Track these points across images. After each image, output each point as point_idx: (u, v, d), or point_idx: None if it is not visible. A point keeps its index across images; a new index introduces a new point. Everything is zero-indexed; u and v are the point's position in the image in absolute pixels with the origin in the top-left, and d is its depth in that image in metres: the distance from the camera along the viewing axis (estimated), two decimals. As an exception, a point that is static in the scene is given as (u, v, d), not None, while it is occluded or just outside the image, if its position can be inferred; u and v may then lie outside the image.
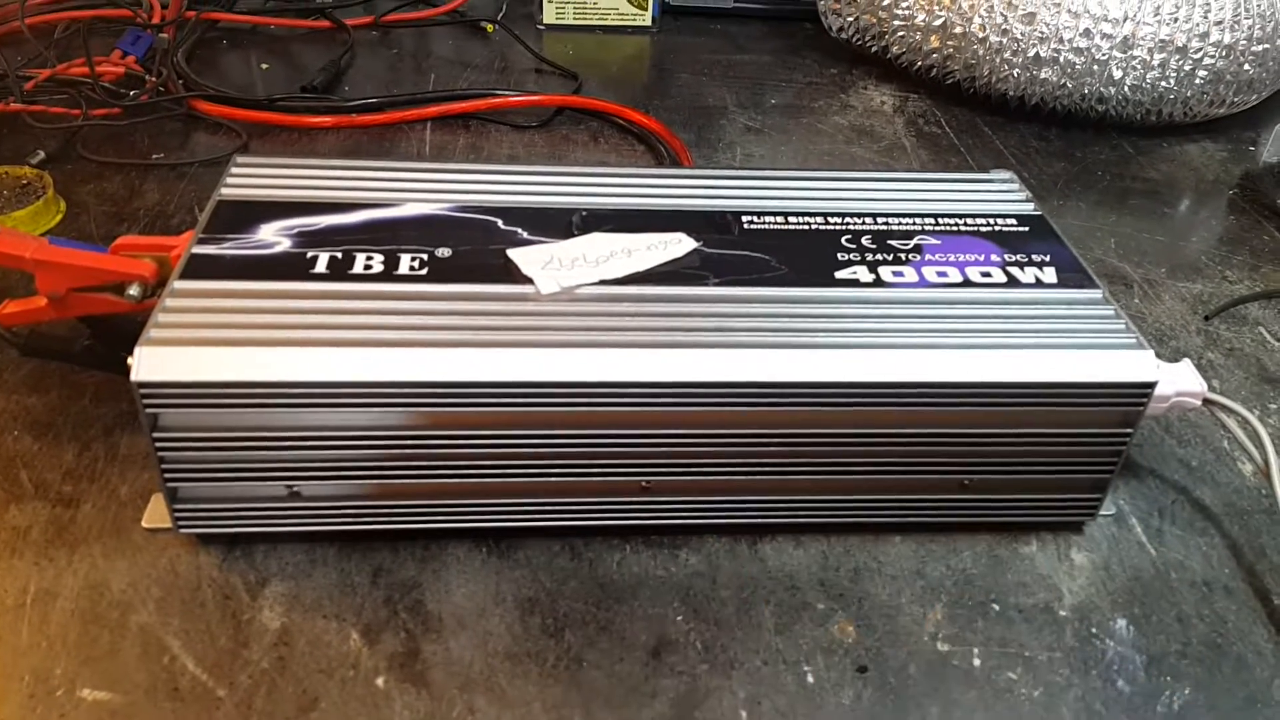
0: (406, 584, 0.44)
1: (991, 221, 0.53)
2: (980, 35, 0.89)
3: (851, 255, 0.49)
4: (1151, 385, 0.44)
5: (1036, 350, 0.44)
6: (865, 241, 0.50)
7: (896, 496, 0.47)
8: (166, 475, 0.42)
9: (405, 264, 0.46)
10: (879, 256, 0.49)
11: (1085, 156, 0.88)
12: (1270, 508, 0.51)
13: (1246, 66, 0.87)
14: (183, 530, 0.45)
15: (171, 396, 0.40)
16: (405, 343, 0.41)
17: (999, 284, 0.48)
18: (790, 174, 0.56)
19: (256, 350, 0.40)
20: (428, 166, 0.54)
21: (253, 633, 0.42)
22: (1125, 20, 0.84)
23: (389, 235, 0.48)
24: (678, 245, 0.49)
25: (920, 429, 0.44)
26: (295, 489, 0.44)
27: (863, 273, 0.48)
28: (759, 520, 0.47)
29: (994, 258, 0.50)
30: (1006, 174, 0.58)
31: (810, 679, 0.42)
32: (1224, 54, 0.86)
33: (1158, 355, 0.45)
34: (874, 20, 0.97)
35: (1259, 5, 0.86)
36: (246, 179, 0.51)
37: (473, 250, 0.47)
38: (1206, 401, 0.48)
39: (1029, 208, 0.55)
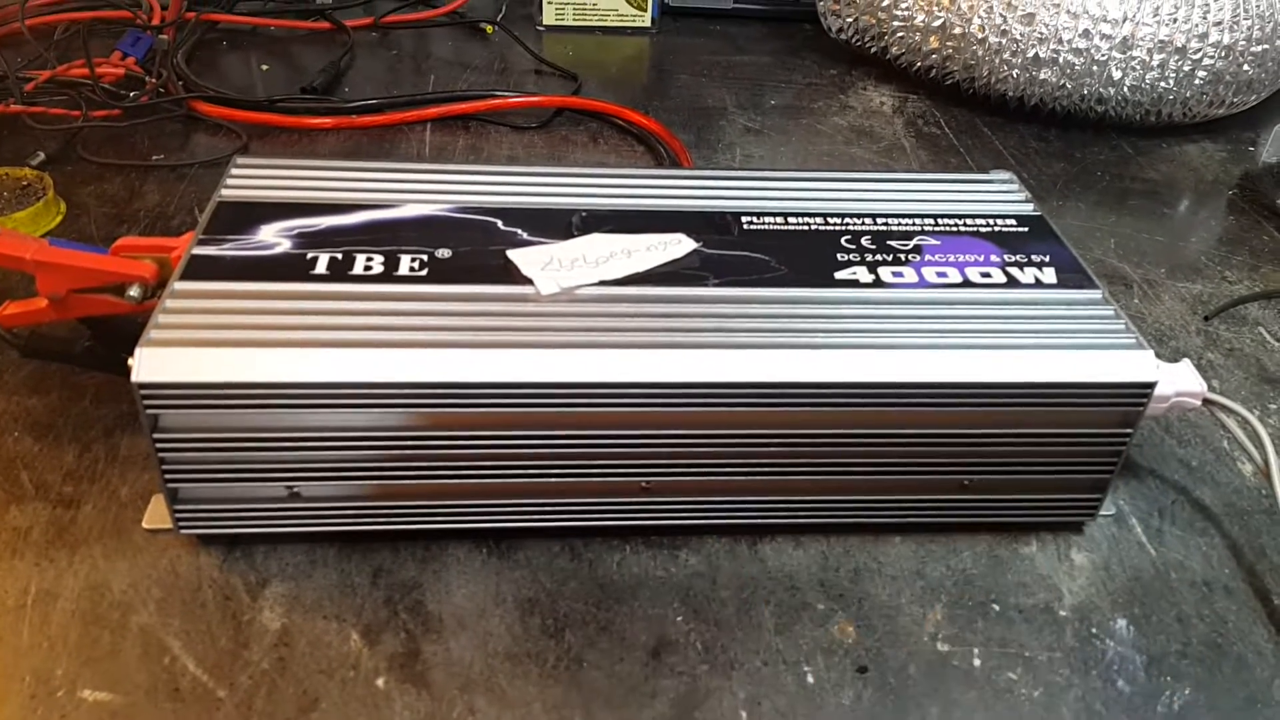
0: (407, 584, 0.44)
1: (991, 222, 0.53)
2: (979, 36, 0.89)
3: (851, 256, 0.49)
4: (1151, 385, 0.44)
5: (1036, 350, 0.44)
6: (865, 242, 0.50)
7: (896, 497, 0.47)
8: (167, 476, 0.42)
9: (405, 265, 0.46)
10: (879, 257, 0.49)
11: (1085, 157, 0.88)
12: (1270, 508, 0.51)
13: (1245, 67, 0.88)
14: (183, 531, 0.45)
15: (172, 397, 0.40)
16: (405, 343, 0.41)
17: (998, 284, 0.48)
18: (790, 175, 0.56)
19: (257, 351, 0.40)
20: (427, 167, 0.54)
21: (253, 633, 0.42)
22: (1124, 21, 0.84)
23: (389, 236, 0.48)
24: (677, 246, 0.49)
25: (920, 429, 0.45)
26: (295, 490, 0.44)
27: (862, 273, 0.48)
28: (759, 520, 0.47)
29: (993, 258, 0.50)
30: (1006, 174, 0.58)
31: (810, 679, 0.42)
32: (1223, 54, 0.86)
33: (1157, 355, 0.45)
34: (873, 21, 0.97)
35: (1258, 6, 0.86)
36: (246, 180, 0.51)
37: (472, 251, 0.47)
38: (1206, 402, 0.48)
39: (1028, 208, 0.55)
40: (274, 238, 0.47)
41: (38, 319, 0.49)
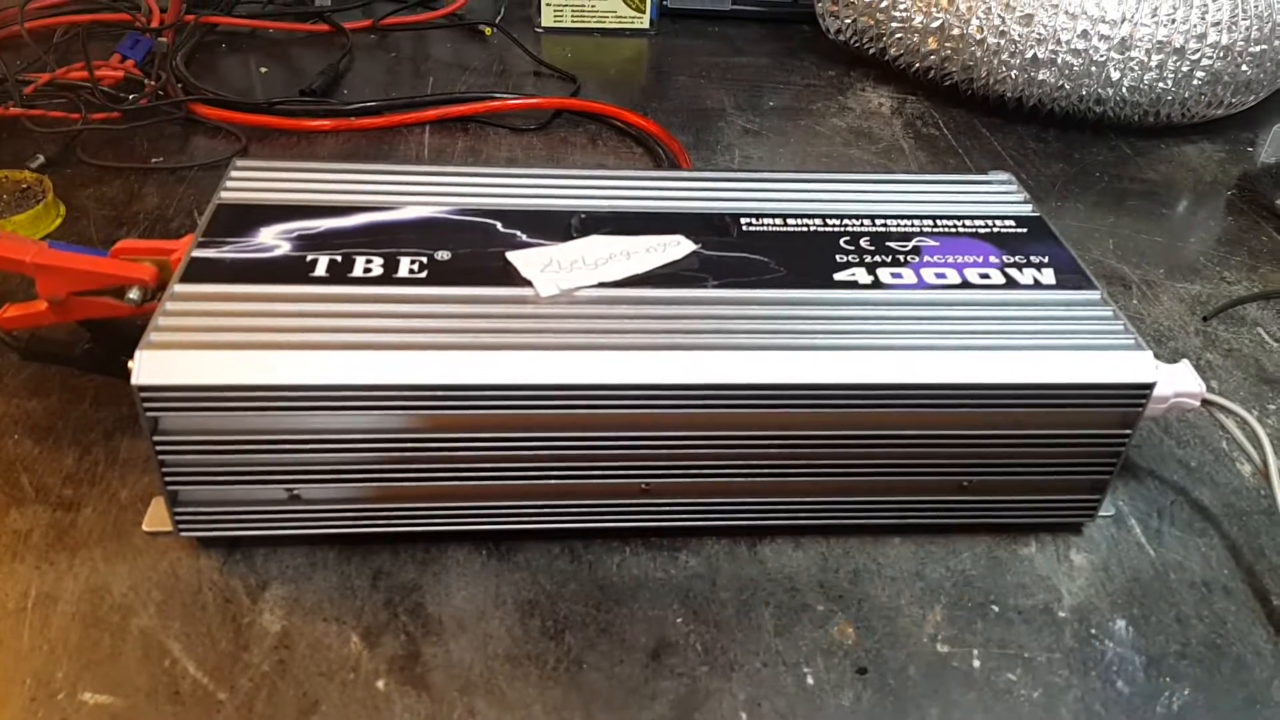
0: (406, 587, 0.44)
1: (990, 223, 0.53)
2: (978, 37, 0.89)
3: (850, 257, 0.49)
4: (1150, 386, 0.44)
5: (1035, 351, 0.44)
6: (864, 243, 0.50)
7: (896, 498, 0.47)
8: (167, 479, 0.42)
9: (405, 267, 0.46)
10: (877, 258, 0.49)
11: (1083, 158, 0.88)
12: (1269, 508, 0.51)
13: (1244, 67, 0.88)
14: (183, 534, 0.45)
15: (172, 400, 0.40)
16: (405, 345, 0.41)
17: (997, 285, 0.48)
18: (788, 176, 0.57)
19: (256, 353, 0.40)
20: (427, 169, 0.54)
21: (253, 636, 0.42)
22: (1123, 22, 0.84)
23: (388, 238, 0.48)
24: (676, 247, 0.49)
25: (919, 430, 0.45)
26: (295, 492, 0.44)
27: (861, 274, 0.48)
28: (758, 522, 0.47)
29: (992, 259, 0.50)
30: (1005, 175, 0.58)
31: (810, 680, 0.42)
32: (1221, 55, 0.86)
33: (1156, 356, 0.45)
34: (872, 22, 0.97)
35: (1256, 6, 0.86)
36: (246, 182, 0.51)
37: (472, 253, 0.47)
38: (1205, 402, 0.48)
39: (1027, 209, 0.55)
40: (273, 240, 0.47)
41: (37, 322, 0.49)
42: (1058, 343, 0.45)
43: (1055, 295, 0.48)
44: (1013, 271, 0.49)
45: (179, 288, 0.44)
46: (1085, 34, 0.85)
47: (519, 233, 0.49)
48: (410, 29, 1.05)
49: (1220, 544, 0.50)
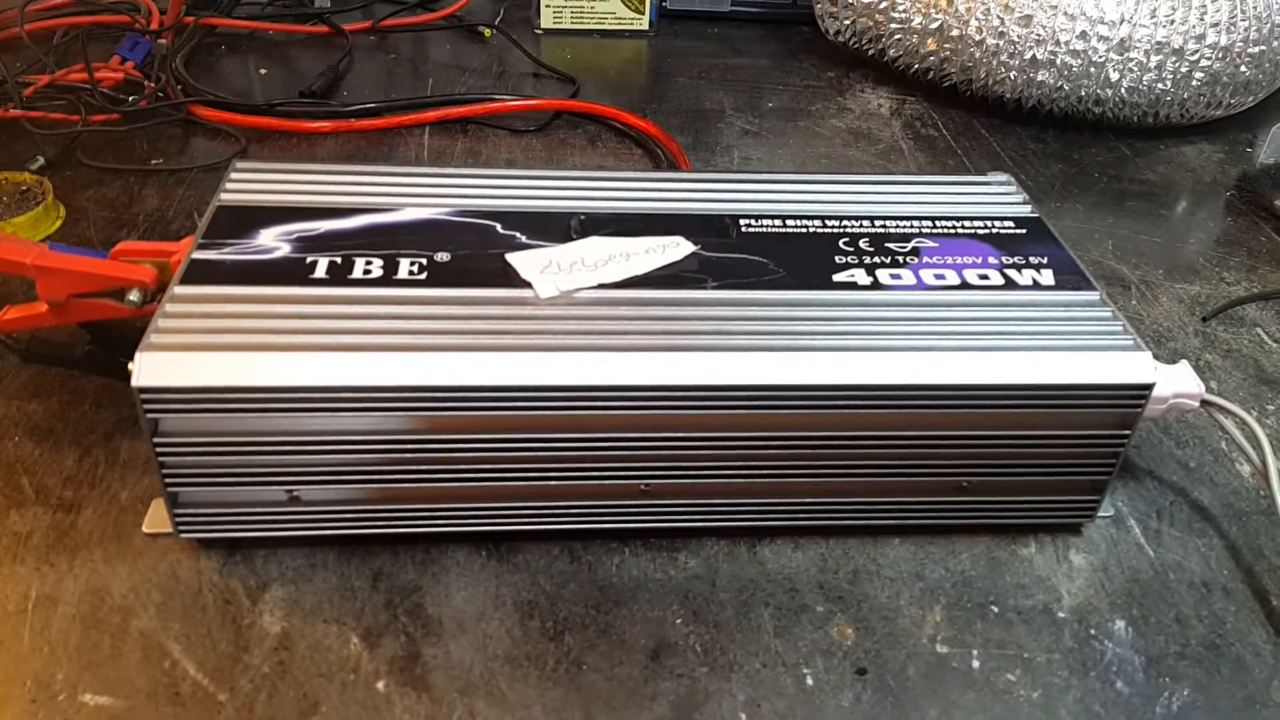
0: (406, 588, 0.44)
1: (989, 224, 0.53)
2: (977, 38, 0.89)
3: (849, 258, 0.49)
4: (1149, 387, 0.44)
5: (1034, 352, 0.44)
6: (863, 244, 0.50)
7: (895, 499, 0.47)
8: (167, 480, 0.42)
9: (404, 268, 0.46)
10: (876, 259, 0.49)
11: (1082, 158, 0.88)
12: (1268, 508, 0.51)
13: (1243, 68, 0.88)
14: (183, 535, 0.45)
15: (172, 401, 0.40)
16: (405, 347, 0.41)
17: (996, 286, 0.48)
18: (788, 177, 0.57)
19: (257, 355, 0.40)
20: (426, 171, 0.54)
21: (253, 637, 0.42)
22: (1122, 22, 0.85)
23: (388, 240, 0.48)
24: (676, 249, 0.49)
25: (919, 431, 0.45)
26: (295, 493, 0.44)
27: (860, 275, 0.48)
28: (758, 523, 0.47)
29: (991, 260, 0.50)
30: (1004, 176, 0.58)
31: (809, 681, 0.42)
32: (1220, 56, 0.86)
33: (1155, 357, 0.45)
34: (871, 23, 0.97)
35: (1255, 7, 0.86)
36: (246, 184, 0.51)
37: (471, 254, 0.47)
38: (1204, 403, 0.48)
39: (1026, 210, 0.55)
40: (273, 242, 0.47)
41: (38, 323, 0.50)
42: (1057, 344, 0.45)
43: (1054, 296, 0.48)
44: (1012, 272, 0.49)
45: (179, 289, 0.44)
46: (1084, 35, 0.85)
47: (518, 234, 0.49)
48: (410, 30, 1.05)
49: (1219, 544, 0.50)
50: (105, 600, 0.43)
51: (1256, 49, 0.87)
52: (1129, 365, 0.44)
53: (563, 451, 0.44)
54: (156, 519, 0.46)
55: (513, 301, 0.45)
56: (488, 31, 1.05)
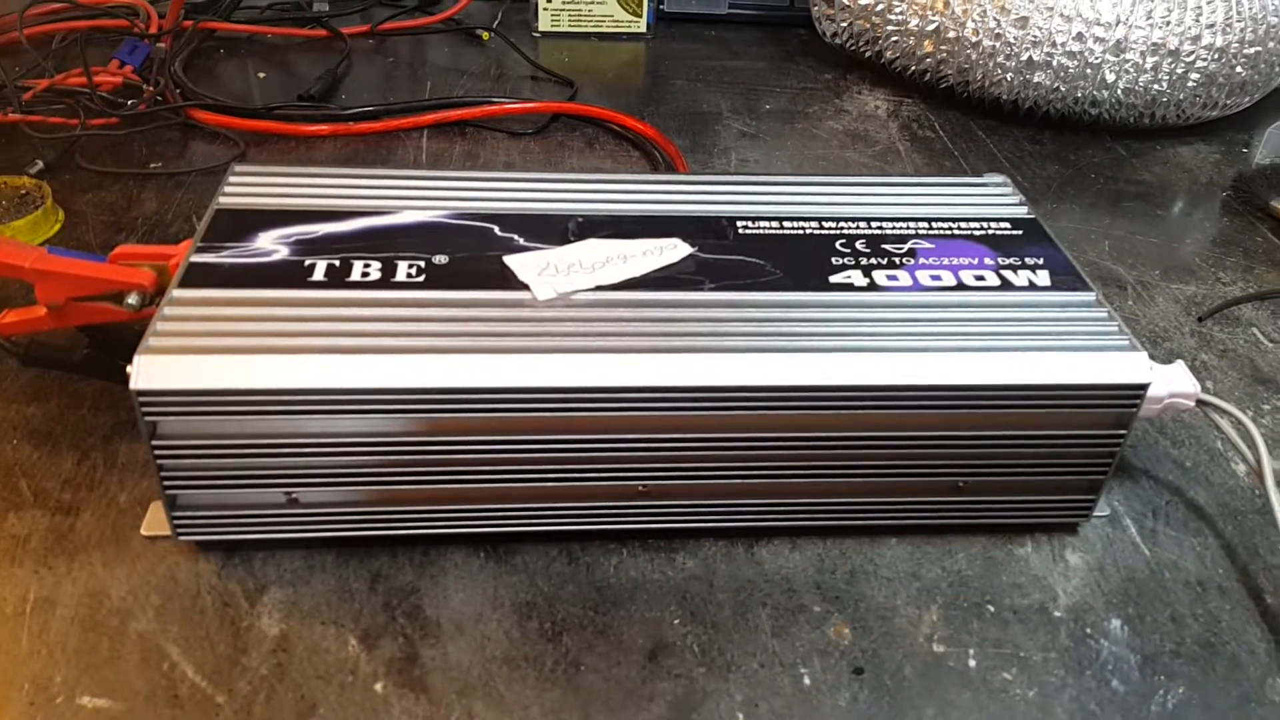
0: (404, 589, 0.45)
1: (985, 225, 0.53)
2: (973, 40, 0.89)
3: (846, 260, 0.49)
4: (1145, 387, 0.45)
5: (1030, 353, 0.44)
6: (859, 246, 0.51)
7: (892, 499, 0.47)
8: (165, 483, 0.42)
9: (402, 271, 0.46)
10: (873, 261, 0.49)
11: (1079, 160, 0.88)
12: (1263, 508, 0.52)
13: (1238, 69, 0.88)
14: (182, 537, 0.45)
15: (170, 405, 0.40)
16: (403, 349, 0.42)
17: (992, 287, 0.48)
18: (785, 179, 0.57)
19: (255, 358, 0.41)
20: (424, 174, 0.54)
21: (251, 639, 0.42)
22: (1117, 24, 0.85)
23: (386, 243, 0.48)
24: (673, 251, 0.49)
25: (915, 432, 0.45)
26: (294, 496, 0.44)
27: (857, 277, 0.48)
28: (755, 523, 0.47)
29: (987, 261, 0.50)
30: (1000, 178, 0.58)
31: (807, 681, 0.42)
32: (1216, 57, 0.86)
33: (1151, 357, 0.45)
34: (867, 26, 0.97)
35: (1250, 8, 0.87)
36: (244, 188, 0.52)
37: (469, 257, 0.48)
38: (1200, 403, 0.48)
39: (1022, 211, 0.55)
40: (272, 245, 0.47)
41: (36, 327, 0.50)
42: (1053, 344, 0.45)
43: (1050, 297, 0.48)
44: (1008, 273, 0.49)
45: (177, 293, 0.44)
46: (1080, 36, 0.85)
47: (516, 236, 0.49)
48: (408, 34, 1.05)
49: (1215, 543, 0.50)
50: (104, 603, 0.43)
51: (1252, 50, 0.87)
52: (1125, 365, 0.45)
53: (560, 453, 0.44)
54: (155, 521, 0.46)
55: (510, 304, 0.45)
56: (486, 35, 1.05)
